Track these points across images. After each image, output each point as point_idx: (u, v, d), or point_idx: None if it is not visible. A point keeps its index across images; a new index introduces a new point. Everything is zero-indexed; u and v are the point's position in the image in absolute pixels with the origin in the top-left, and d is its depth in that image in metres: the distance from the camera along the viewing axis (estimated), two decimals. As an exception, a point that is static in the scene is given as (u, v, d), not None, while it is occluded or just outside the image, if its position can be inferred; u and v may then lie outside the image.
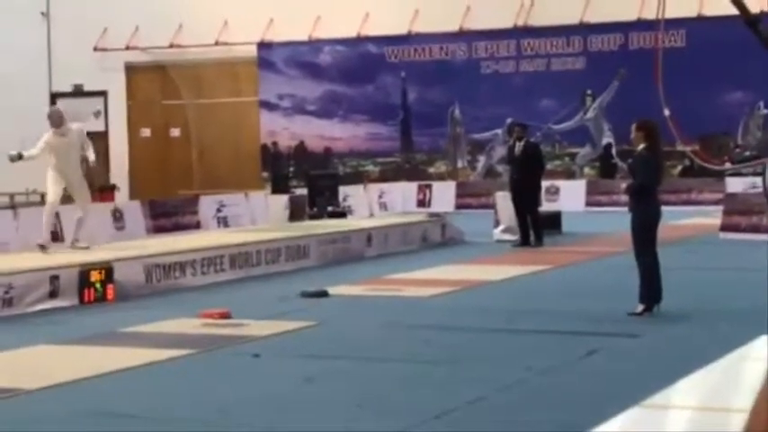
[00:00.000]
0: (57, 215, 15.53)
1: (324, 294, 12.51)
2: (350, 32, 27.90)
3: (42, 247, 13.81)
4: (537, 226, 17.76)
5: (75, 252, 14.04)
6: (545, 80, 26.75)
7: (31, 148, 14.29)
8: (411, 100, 27.96)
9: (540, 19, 26.60)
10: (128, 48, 29.62)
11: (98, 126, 30.37)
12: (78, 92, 30.54)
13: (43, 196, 26.34)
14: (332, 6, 27.95)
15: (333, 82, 28.51)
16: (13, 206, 22.49)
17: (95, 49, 29.94)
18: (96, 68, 30.13)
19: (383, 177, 27.29)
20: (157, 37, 29.33)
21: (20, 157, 14.10)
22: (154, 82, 30.31)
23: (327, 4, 28.01)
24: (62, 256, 13.64)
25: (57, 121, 14.28)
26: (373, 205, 23.76)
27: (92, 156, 14.42)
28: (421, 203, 25.55)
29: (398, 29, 27.54)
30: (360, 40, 28.02)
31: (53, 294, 12.29)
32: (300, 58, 28.70)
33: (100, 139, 30.25)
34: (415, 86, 27.90)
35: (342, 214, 20.78)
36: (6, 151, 14.30)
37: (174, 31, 29.17)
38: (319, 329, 10.45)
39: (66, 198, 14.78)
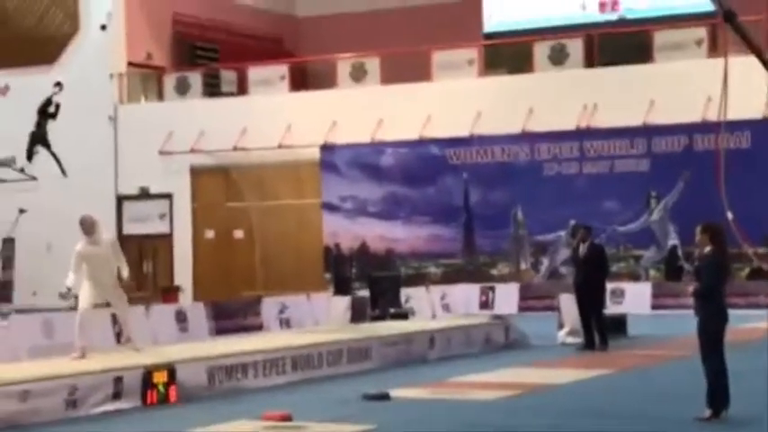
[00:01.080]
0: (114, 317, 15.54)
1: (386, 397, 12.40)
2: (412, 135, 28.07)
3: (78, 357, 13.72)
4: (602, 328, 17.57)
5: (134, 353, 14.05)
6: (609, 182, 26.68)
7: (69, 274, 14.17)
8: (473, 201, 27.97)
9: (602, 120, 26.61)
10: (192, 151, 30.00)
11: (163, 228, 30.77)
12: (144, 194, 30.90)
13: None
14: (394, 109, 28.19)
15: (395, 183, 28.64)
16: (76, 308, 22.65)
17: (161, 152, 30.36)
18: (162, 171, 30.52)
19: (445, 279, 27.21)
20: (222, 140, 29.68)
21: (69, 291, 14.09)
22: (218, 184, 30.61)
23: (390, 107, 28.26)
24: (126, 358, 13.67)
25: (89, 228, 14.18)
26: (435, 307, 23.66)
27: (125, 272, 14.29)
28: (484, 305, 25.40)
29: (460, 131, 27.67)
30: (422, 142, 28.17)
31: (116, 396, 12.29)
32: (362, 159, 28.90)
33: (165, 241, 30.61)
34: (478, 188, 27.93)
35: (404, 316, 20.69)
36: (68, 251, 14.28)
37: (238, 134, 29.52)
38: (381, 433, 10.34)
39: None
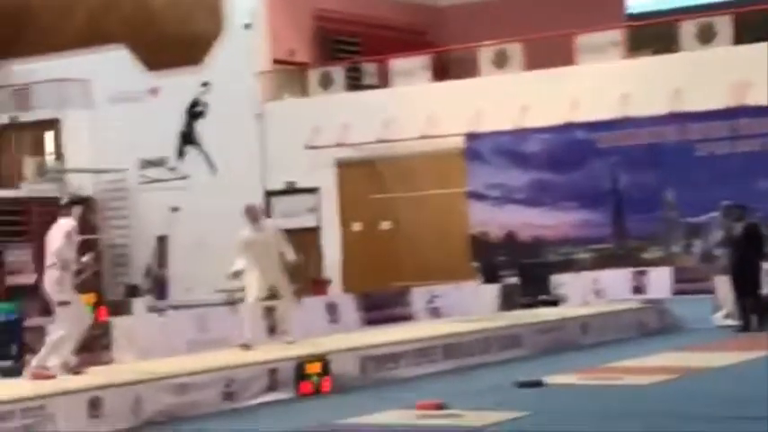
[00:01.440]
0: (269, 310, 15.75)
1: (539, 384, 12.30)
2: (557, 120, 27.79)
3: (245, 347, 13.93)
4: (759, 309, 17.15)
5: (286, 346, 14.21)
6: (762, 160, 25.99)
7: (236, 261, 14.40)
8: (622, 185, 27.55)
9: (754, 98, 25.94)
10: (338, 144, 30.22)
11: (311, 222, 31.08)
12: (292, 189, 31.26)
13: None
14: (538, 95, 27.93)
15: (541, 170, 28.39)
16: (231, 302, 23.02)
17: (307, 147, 30.66)
18: (308, 166, 30.81)
19: (595, 264, 26.86)
20: (366, 133, 29.83)
21: (236, 274, 14.33)
22: (363, 177, 30.78)
23: (534, 92, 28.01)
24: (279, 350, 13.84)
25: (254, 216, 14.45)
26: (586, 293, 23.39)
27: (291, 255, 14.50)
28: (636, 290, 25.00)
29: (607, 114, 27.29)
30: (568, 126, 27.86)
31: (271, 387, 12.46)
32: (508, 147, 28.72)
33: (312, 235, 30.91)
34: (626, 171, 27.50)
35: (554, 303, 20.54)
36: (228, 250, 14.47)
37: (382, 126, 29.63)
38: (536, 419, 10.25)
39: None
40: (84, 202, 12.79)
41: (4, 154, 34.00)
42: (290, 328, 14.79)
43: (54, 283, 11.97)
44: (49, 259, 12.09)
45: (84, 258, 12.39)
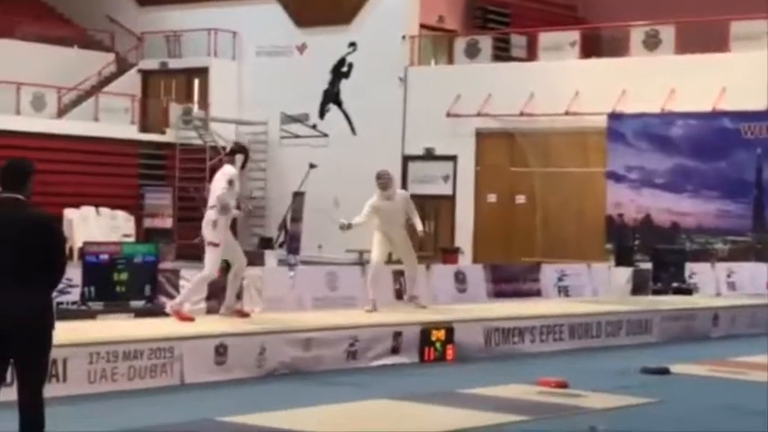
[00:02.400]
0: (398, 274, 15.87)
1: (665, 372, 12.14)
2: (704, 106, 27.26)
3: (370, 311, 14.04)
4: None
5: (416, 310, 14.29)
6: None
7: (357, 217, 14.51)
8: (766, 177, 26.93)
9: None
10: (479, 114, 30.10)
11: (446, 190, 31.08)
12: (429, 156, 31.28)
13: (390, 255, 27.09)
14: (686, 80, 27.41)
15: (684, 156, 27.90)
16: (360, 263, 23.16)
17: (448, 114, 30.61)
18: (448, 133, 30.78)
19: (732, 256, 26.32)
20: (508, 105, 29.65)
21: (349, 226, 14.41)
22: (502, 149, 30.64)
23: (682, 77, 27.49)
24: (405, 314, 13.90)
25: (386, 183, 14.46)
26: (720, 284, 22.94)
27: (419, 225, 14.54)
28: (772, 286, 24.44)
29: (756, 104, 26.66)
30: (715, 114, 27.31)
31: (395, 350, 12.54)
32: (651, 130, 28.26)
33: (447, 203, 30.93)
34: (771, 164, 26.90)
35: (687, 291, 20.19)
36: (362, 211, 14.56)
37: (525, 100, 29.42)
38: (659, 407, 10.13)
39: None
40: (246, 151, 13.11)
41: (153, 99, 34.67)
42: (419, 294, 14.90)
43: (209, 224, 12.35)
44: (210, 201, 12.45)
45: (242, 205, 12.84)
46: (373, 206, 14.28)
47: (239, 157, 12.78)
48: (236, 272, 12.73)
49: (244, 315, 12.69)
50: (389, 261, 15.51)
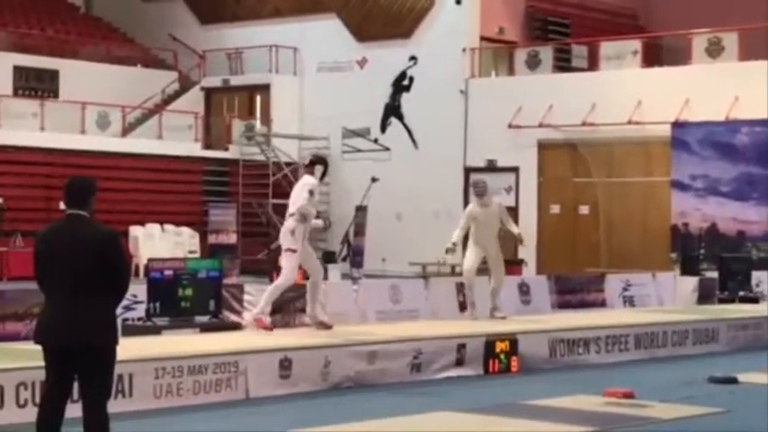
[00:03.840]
0: (460, 285, 15.93)
1: (733, 381, 12.00)
2: (770, 113, 26.99)
3: (475, 318, 14.27)
4: None
5: (486, 321, 14.37)
6: None
7: (456, 231, 14.68)
8: (832, 184, 26.59)
9: None
10: (540, 125, 29.98)
11: (509, 201, 30.95)
12: (491, 167, 31.20)
13: (453, 268, 27.06)
14: (750, 86, 27.10)
15: (749, 163, 27.59)
16: (424, 276, 23.17)
17: (509, 126, 30.52)
18: (509, 145, 30.68)
19: (799, 264, 26.01)
20: (570, 115, 29.50)
21: (454, 245, 14.64)
22: (564, 159, 30.48)
23: (746, 84, 27.19)
24: (469, 326, 13.88)
25: (481, 191, 14.79)
26: (788, 292, 22.66)
27: (515, 229, 14.86)
28: (840, 292, 24.08)
29: (822, 110, 26.35)
30: (780, 121, 27.03)
31: (459, 362, 12.51)
32: (716, 138, 27.98)
33: (510, 214, 30.61)
34: (838, 171, 26.52)
35: (754, 300, 19.97)
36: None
37: (587, 110, 29.25)
38: (727, 417, 10.01)
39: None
40: (325, 162, 13.32)
41: (215, 116, 34.94)
42: (500, 305, 15.01)
43: (288, 231, 12.55)
44: (290, 210, 12.64)
45: (322, 216, 13.13)
46: (470, 213, 14.58)
47: (318, 168, 13.02)
48: (314, 281, 12.91)
49: (326, 327, 12.84)
50: (453, 273, 15.56)
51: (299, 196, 12.68)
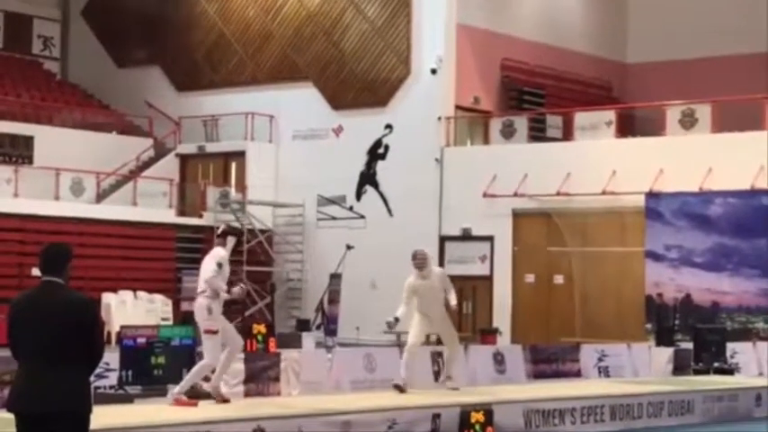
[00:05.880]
0: (437, 355, 15.81)
1: (709, 453, 11.95)
2: (742, 184, 27.13)
3: (398, 388, 13.96)
4: None
5: (453, 393, 14.18)
6: None
7: (401, 306, 14.47)
8: (806, 256, 26.73)
9: None
10: (515, 194, 30.07)
11: (484, 270, 30.97)
12: (466, 236, 31.23)
13: (428, 337, 26.97)
14: (724, 158, 27.33)
15: (723, 234, 27.72)
16: (399, 344, 23.04)
17: (484, 195, 30.60)
18: (484, 214, 30.74)
19: (774, 336, 26.07)
20: (545, 185, 29.62)
21: (396, 320, 14.39)
22: (539, 229, 30.55)
23: (719, 155, 27.42)
24: (443, 396, 13.79)
25: (420, 263, 14.50)
26: (762, 364, 22.66)
27: (453, 300, 14.53)
28: (815, 365, 24.11)
29: (794, 182, 26.56)
30: (753, 192, 27.16)
31: (434, 432, 12.41)
32: (690, 208, 28.13)
33: (485, 283, 30.79)
34: (812, 242, 26.67)
35: (729, 371, 19.96)
36: (400, 292, 14.58)
37: (562, 179, 29.39)
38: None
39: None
40: (239, 233, 13.05)
41: (190, 182, 34.91)
42: (455, 375, 14.78)
43: (204, 309, 12.20)
44: (200, 287, 12.34)
45: (235, 289, 12.59)
46: (410, 286, 14.30)
47: (231, 240, 12.70)
48: (230, 352, 12.52)
49: (225, 401, 12.43)
50: (428, 342, 15.44)
51: (208, 269, 12.30)
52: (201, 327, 12.33)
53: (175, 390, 12.31)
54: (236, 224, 32.63)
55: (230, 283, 12.64)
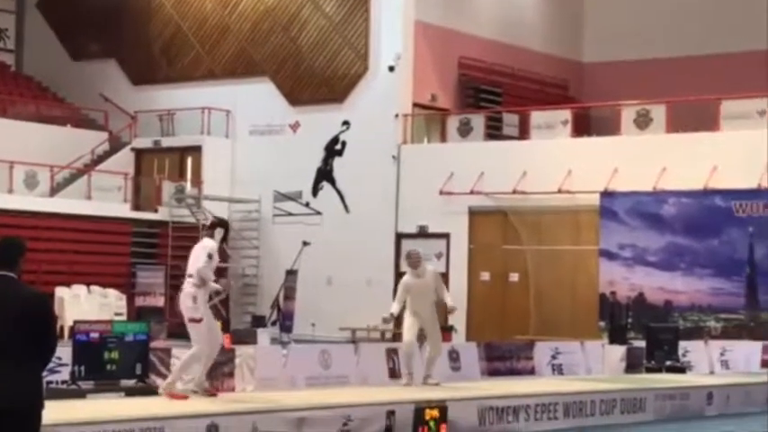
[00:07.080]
0: (392, 352, 15.93)
1: (661, 451, 12.04)
2: (696, 185, 27.35)
3: (408, 384, 14.25)
4: None
5: (416, 388, 14.33)
6: None
7: (394, 304, 14.81)
8: (758, 256, 26.93)
9: None
10: (472, 192, 30.14)
11: (439, 268, 30.97)
12: (422, 233, 31.27)
13: (383, 334, 27.01)
14: (678, 158, 27.54)
15: (676, 234, 27.94)
16: (354, 341, 23.06)
17: (441, 192, 30.66)
18: (441, 211, 30.79)
19: (725, 334, 26.26)
20: (501, 183, 29.70)
21: (392, 315, 14.70)
22: (495, 226, 30.64)
23: (674, 155, 27.64)
24: (398, 392, 13.82)
25: (415, 262, 14.83)
26: (714, 362, 22.87)
27: (449, 300, 14.90)
28: (766, 364, 24.34)
29: (747, 183, 26.77)
30: (706, 192, 27.38)
31: (389, 429, 12.43)
32: (644, 208, 28.32)
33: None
34: (763, 242, 26.90)
35: (681, 369, 20.14)
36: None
37: (518, 178, 29.49)
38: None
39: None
40: (227, 225, 13.17)
41: (146, 177, 34.73)
42: (433, 373, 15.06)
43: (189, 297, 12.25)
44: (188, 275, 12.39)
45: (223, 280, 12.75)
46: (405, 284, 14.65)
47: (219, 231, 12.81)
48: (211, 349, 12.55)
49: (212, 394, 12.52)
50: (383, 339, 15.57)
51: (197, 259, 12.40)
52: (185, 315, 12.39)
53: (166, 381, 12.48)
54: (192, 219, 32.58)
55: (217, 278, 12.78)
